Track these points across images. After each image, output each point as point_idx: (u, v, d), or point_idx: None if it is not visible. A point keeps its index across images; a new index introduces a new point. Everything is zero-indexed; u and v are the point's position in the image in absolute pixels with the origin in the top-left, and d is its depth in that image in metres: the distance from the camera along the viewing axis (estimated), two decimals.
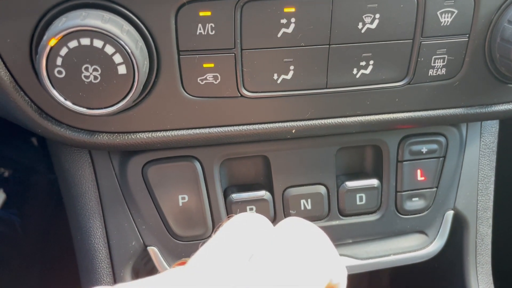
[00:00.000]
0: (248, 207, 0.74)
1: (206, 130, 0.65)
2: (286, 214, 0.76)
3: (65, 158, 0.74)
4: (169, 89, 0.61)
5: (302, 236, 0.43)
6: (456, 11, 0.62)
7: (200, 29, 0.58)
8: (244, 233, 0.41)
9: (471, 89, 0.68)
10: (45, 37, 0.53)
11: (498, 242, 0.91)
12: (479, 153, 0.83)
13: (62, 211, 0.81)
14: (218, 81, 0.61)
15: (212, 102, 0.63)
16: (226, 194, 0.75)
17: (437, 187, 0.79)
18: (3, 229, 1.40)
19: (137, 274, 0.80)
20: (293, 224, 0.45)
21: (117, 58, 0.54)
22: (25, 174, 1.49)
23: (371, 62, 0.63)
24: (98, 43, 0.53)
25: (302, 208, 0.75)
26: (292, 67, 0.62)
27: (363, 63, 0.63)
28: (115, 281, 0.76)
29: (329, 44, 0.61)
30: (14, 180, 1.47)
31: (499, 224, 0.92)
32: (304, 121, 0.67)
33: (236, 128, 0.66)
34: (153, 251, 0.75)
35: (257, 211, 0.74)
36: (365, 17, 0.60)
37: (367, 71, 0.64)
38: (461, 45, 0.64)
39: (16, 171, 1.48)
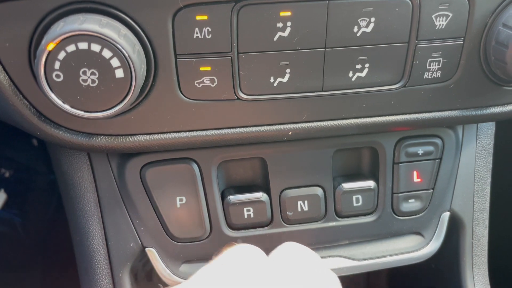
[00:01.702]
0: (245, 209, 0.74)
1: (203, 133, 0.66)
2: (283, 216, 0.76)
3: (64, 160, 0.75)
4: (167, 92, 0.61)
5: (298, 260, 0.48)
6: (451, 15, 0.62)
7: (197, 33, 0.58)
8: (242, 260, 0.46)
9: (466, 91, 0.69)
10: (43, 41, 0.53)
11: (494, 243, 0.92)
12: (475, 154, 0.83)
13: (62, 212, 0.81)
14: (215, 84, 0.62)
15: (209, 105, 0.63)
16: (223, 196, 0.75)
17: (433, 189, 0.80)
18: (4, 229, 1.40)
19: (136, 275, 0.80)
20: (288, 249, 0.50)
21: (115, 62, 0.54)
22: (26, 175, 1.49)
23: (367, 65, 0.64)
24: (95, 47, 0.53)
25: (299, 209, 0.76)
26: (288, 70, 0.62)
27: (358, 66, 0.64)
28: (113, 282, 0.77)
29: (325, 48, 0.62)
30: (15, 181, 1.48)
31: (495, 225, 0.92)
32: (301, 124, 0.67)
33: (233, 130, 0.66)
34: (151, 252, 0.75)
35: (254, 213, 0.74)
36: (360, 20, 0.61)
37: (363, 74, 0.64)
38: (456, 48, 0.65)
39: (17, 171, 1.49)
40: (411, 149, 0.76)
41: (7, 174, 1.49)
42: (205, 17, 0.58)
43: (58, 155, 0.75)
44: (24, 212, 1.46)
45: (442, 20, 0.63)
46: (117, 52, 0.54)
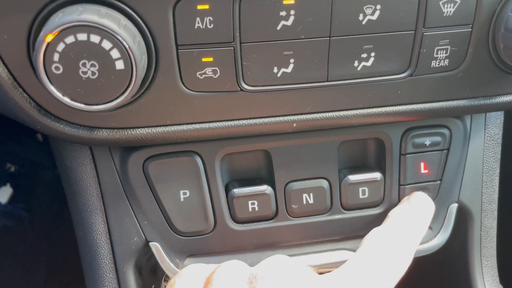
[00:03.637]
0: (249, 202, 0.73)
1: (206, 125, 0.65)
2: (288, 209, 0.75)
3: (66, 155, 0.74)
4: (168, 84, 0.60)
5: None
6: (459, 1, 0.61)
7: (198, 23, 0.57)
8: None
9: (474, 80, 0.67)
10: (41, 33, 0.52)
11: (503, 235, 0.90)
12: (484, 145, 0.82)
13: (68, 206, 0.81)
14: (217, 75, 0.61)
15: (211, 96, 0.62)
16: (227, 189, 0.74)
17: (440, 180, 0.78)
18: (11, 223, 1.41)
19: (140, 270, 0.80)
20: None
21: (115, 53, 0.53)
22: (32, 169, 1.50)
23: (373, 54, 0.62)
24: (95, 38, 0.52)
25: (304, 202, 0.75)
26: (292, 60, 0.61)
27: (364, 55, 0.62)
28: (117, 277, 0.76)
29: (330, 36, 0.60)
30: (21, 175, 1.49)
31: (504, 217, 0.91)
32: (305, 115, 0.66)
33: (236, 122, 0.65)
34: (155, 246, 0.75)
35: (258, 206, 0.74)
36: (366, 8, 0.59)
37: (369, 63, 0.63)
38: (464, 35, 0.63)
39: (23, 166, 1.49)
40: (418, 140, 0.75)
41: (13, 169, 1.50)
42: (206, 7, 0.56)
43: (60, 149, 0.75)
44: (30, 206, 1.46)
45: (450, 7, 0.61)
46: (117, 43, 0.53)
